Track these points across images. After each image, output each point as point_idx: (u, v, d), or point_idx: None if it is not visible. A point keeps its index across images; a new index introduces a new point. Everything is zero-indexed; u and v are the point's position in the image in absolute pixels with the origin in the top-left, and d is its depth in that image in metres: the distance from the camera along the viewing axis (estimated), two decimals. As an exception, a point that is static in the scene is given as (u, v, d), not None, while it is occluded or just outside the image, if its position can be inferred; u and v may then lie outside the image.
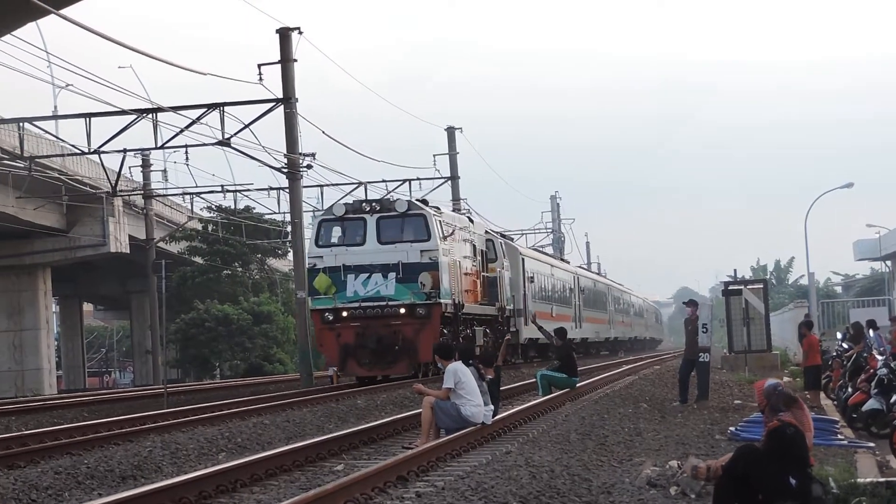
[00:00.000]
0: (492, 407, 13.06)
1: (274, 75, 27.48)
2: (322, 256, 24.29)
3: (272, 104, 27.57)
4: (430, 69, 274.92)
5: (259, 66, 27.77)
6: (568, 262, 52.91)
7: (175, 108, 28.25)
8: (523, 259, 34.78)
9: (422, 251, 24.05)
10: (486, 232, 31.81)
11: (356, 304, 23.83)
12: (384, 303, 23.73)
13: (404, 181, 39.76)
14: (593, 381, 23.70)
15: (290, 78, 27.83)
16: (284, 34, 28.03)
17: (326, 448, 11.79)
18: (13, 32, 21.59)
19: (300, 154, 27.96)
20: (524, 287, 34.15)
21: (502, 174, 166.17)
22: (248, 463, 10.04)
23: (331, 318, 23.87)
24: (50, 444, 13.21)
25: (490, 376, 13.74)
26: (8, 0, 20.87)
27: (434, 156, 44.10)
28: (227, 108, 27.28)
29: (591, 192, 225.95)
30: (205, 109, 27.56)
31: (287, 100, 27.45)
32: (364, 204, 25.20)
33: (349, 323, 23.86)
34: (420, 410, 12.61)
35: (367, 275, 23.88)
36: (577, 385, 19.76)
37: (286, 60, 27.82)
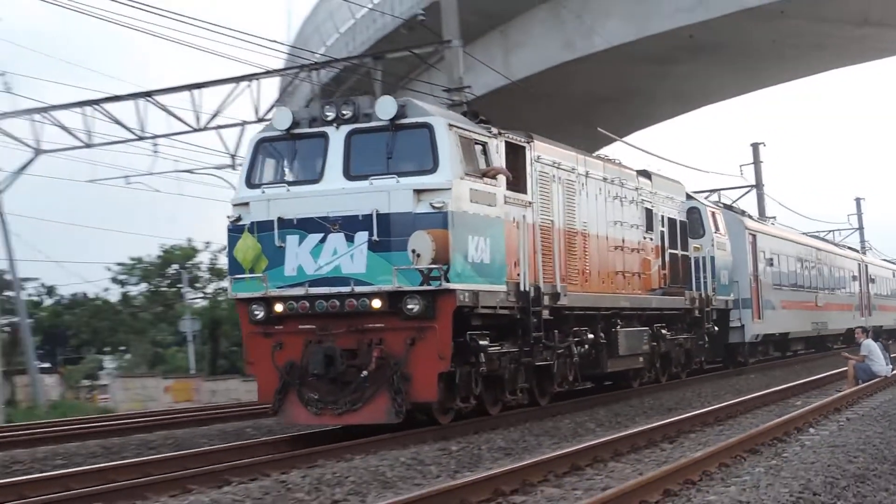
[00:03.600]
0: (891, 367, 22.54)
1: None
2: (248, 203, 14.14)
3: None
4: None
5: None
6: (856, 251, 49.77)
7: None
8: (755, 236, 28.40)
9: (417, 190, 13.39)
10: (688, 197, 24.35)
11: (300, 291, 13.45)
12: (347, 288, 13.16)
13: (713, 191, 41.43)
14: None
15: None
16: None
17: (790, 392, 20.86)
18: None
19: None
20: (755, 271, 28.10)
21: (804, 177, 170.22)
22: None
23: (260, 314, 13.84)
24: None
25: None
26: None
27: (741, 166, 49.26)
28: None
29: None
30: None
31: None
32: (326, 109, 14.30)
33: (295, 325, 13.73)
34: (846, 368, 22.23)
35: (321, 236, 13.42)
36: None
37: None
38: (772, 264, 29.58)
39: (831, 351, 36.43)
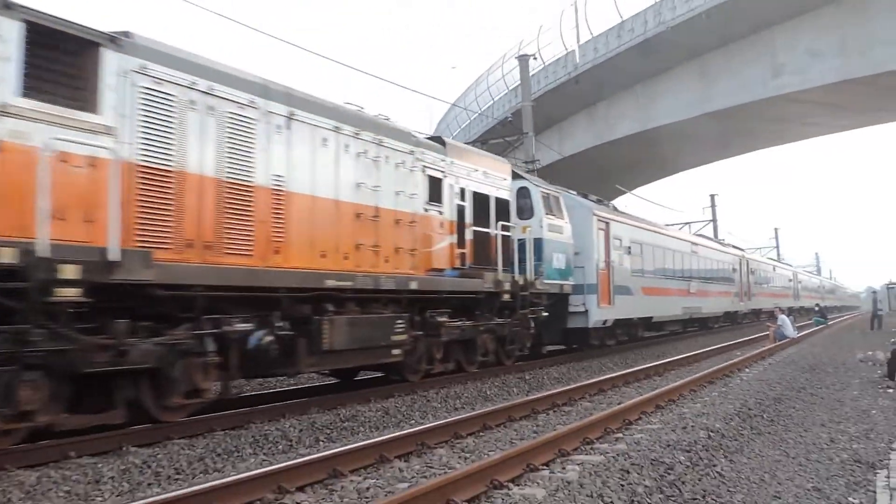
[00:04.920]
0: (797, 332, 28.79)
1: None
2: None
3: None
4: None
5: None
6: (740, 249, 45.91)
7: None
8: (608, 223, 22.78)
9: None
10: (516, 177, 18.90)
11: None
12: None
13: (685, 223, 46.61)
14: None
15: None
16: None
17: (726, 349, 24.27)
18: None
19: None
20: (607, 257, 22.29)
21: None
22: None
23: None
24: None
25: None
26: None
27: (703, 208, 52.01)
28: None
29: None
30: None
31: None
32: None
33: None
34: (766, 334, 27.10)
35: None
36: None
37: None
38: (630, 252, 24.31)
39: (713, 329, 36.54)
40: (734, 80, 32.18)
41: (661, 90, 35.37)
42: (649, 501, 6.36)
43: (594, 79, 35.27)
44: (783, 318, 27.38)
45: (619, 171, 43.34)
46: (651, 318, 26.54)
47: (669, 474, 7.16)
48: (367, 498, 6.62)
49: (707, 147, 42.91)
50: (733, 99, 32.38)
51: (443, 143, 15.36)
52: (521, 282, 16.66)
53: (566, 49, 35.84)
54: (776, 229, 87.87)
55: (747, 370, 16.68)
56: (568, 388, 12.86)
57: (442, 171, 14.77)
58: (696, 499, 6.55)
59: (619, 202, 48.57)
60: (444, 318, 14.27)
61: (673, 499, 6.53)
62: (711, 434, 9.01)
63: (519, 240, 17.57)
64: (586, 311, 20.64)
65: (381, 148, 12.92)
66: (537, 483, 6.97)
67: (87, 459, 7.96)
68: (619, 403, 11.31)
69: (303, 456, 8.05)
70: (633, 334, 25.59)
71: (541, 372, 16.83)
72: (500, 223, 16.35)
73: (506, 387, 14.44)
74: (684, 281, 30.08)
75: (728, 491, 6.85)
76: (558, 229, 19.56)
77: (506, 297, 16.07)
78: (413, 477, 7.35)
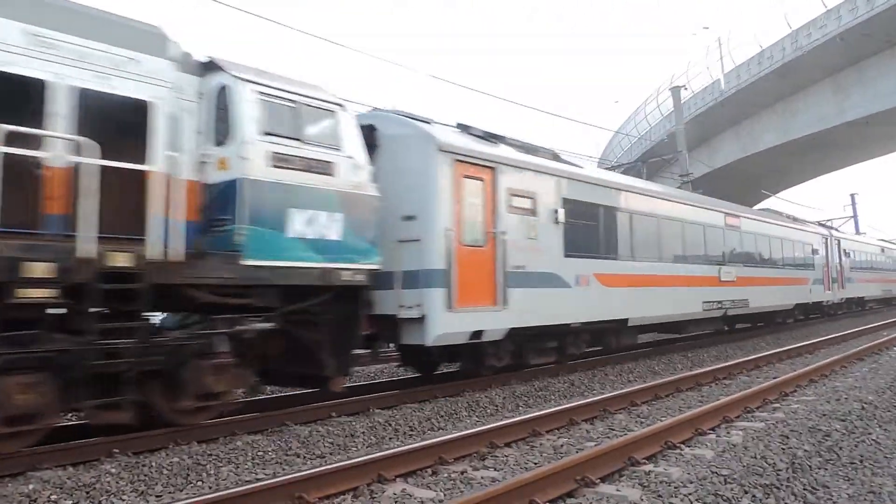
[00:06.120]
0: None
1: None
2: None
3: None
4: None
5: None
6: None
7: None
8: (493, 169, 10.05)
9: None
10: (214, 69, 7.19)
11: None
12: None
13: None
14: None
15: None
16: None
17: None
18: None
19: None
20: (492, 227, 9.90)
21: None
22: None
23: None
24: None
25: None
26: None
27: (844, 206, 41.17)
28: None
29: None
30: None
31: None
32: None
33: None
34: None
35: None
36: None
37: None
38: (557, 221, 11.21)
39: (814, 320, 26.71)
40: (868, 92, 29.72)
41: (800, 106, 33.17)
42: (809, 464, 5.82)
43: (738, 101, 33.95)
44: None
45: (765, 178, 40.85)
46: (625, 319, 13.25)
47: (827, 440, 6.58)
48: (561, 453, 6.47)
49: (845, 152, 39.82)
50: (869, 108, 29.85)
51: None
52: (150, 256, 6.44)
53: (712, 78, 34.96)
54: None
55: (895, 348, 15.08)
56: (727, 364, 12.06)
57: None
58: (853, 462, 5.95)
59: (772, 203, 45.46)
60: None
61: (832, 462, 5.95)
62: (865, 405, 8.18)
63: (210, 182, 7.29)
64: (422, 317, 9.19)
65: None
66: (706, 445, 6.60)
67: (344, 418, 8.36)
68: (774, 378, 10.53)
69: (508, 418, 8.02)
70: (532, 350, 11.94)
71: (700, 351, 15.86)
72: (199, 154, 7.09)
73: (671, 363, 13.64)
74: (708, 265, 16.80)
75: (885, 457, 6.17)
76: (328, 170, 7.92)
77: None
78: (598, 437, 7.13)
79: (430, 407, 8.94)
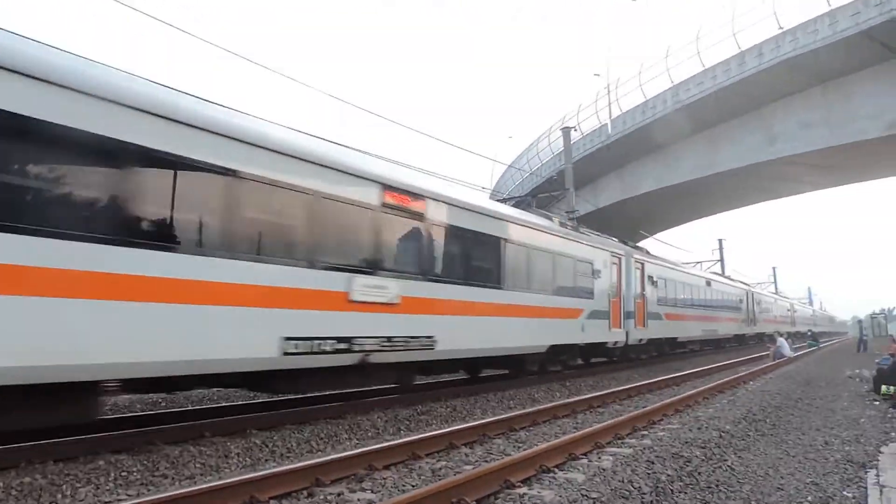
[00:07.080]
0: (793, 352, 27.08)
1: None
2: None
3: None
4: None
5: None
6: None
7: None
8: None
9: None
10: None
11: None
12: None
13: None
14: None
15: None
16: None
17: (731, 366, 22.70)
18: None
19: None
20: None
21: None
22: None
23: None
24: None
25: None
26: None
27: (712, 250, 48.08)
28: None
29: None
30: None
31: None
32: None
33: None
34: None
35: None
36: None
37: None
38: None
39: (725, 348, 35.82)
40: (737, 147, 31.89)
41: (677, 155, 35.22)
42: (671, 488, 6.17)
43: (622, 146, 35.59)
44: (781, 341, 27.04)
45: (643, 220, 43.05)
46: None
47: (688, 466, 6.98)
48: (440, 476, 6.54)
49: (715, 201, 42.76)
50: (736, 162, 32.01)
51: None
52: None
53: (600, 122, 36.44)
54: (774, 268, 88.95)
55: (752, 383, 16.23)
56: (601, 393, 12.70)
57: None
58: (710, 487, 6.34)
59: (649, 244, 49.10)
60: None
61: (691, 486, 6.32)
62: (723, 434, 8.75)
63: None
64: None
65: None
66: (578, 469, 6.85)
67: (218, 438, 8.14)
68: (644, 407, 11.18)
69: (388, 441, 8.02)
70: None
71: (578, 380, 16.45)
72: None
73: (550, 391, 14.04)
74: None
75: (738, 482, 6.62)
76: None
77: None
78: (476, 461, 7.25)
79: (310, 429, 8.85)
